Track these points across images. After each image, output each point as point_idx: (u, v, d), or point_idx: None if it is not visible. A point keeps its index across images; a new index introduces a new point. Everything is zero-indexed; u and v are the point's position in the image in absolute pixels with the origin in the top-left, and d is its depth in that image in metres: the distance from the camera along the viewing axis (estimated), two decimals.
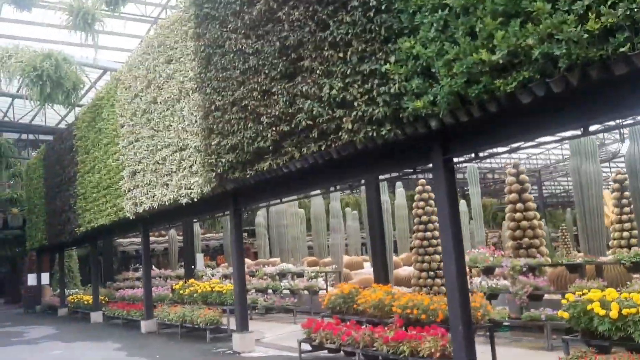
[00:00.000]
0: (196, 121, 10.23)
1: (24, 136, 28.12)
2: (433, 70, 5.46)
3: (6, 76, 14.28)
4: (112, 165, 14.52)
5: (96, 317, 17.46)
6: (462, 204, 22.58)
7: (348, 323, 8.03)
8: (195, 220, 20.71)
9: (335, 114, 6.83)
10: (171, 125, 11.30)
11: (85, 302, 18.99)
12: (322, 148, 7.16)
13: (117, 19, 18.01)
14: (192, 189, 10.48)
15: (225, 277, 17.73)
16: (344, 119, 6.70)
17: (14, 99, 20.97)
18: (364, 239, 26.43)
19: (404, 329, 6.96)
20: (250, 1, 8.44)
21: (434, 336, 6.41)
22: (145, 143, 12.52)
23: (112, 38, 20.26)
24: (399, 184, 21.27)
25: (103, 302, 18.37)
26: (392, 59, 5.86)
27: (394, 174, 10.00)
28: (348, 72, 6.59)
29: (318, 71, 7.04)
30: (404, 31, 5.77)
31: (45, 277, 24.37)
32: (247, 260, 22.41)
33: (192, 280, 14.58)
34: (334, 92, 6.79)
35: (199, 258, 19.87)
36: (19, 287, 34.45)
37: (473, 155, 6.41)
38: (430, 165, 6.37)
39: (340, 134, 6.80)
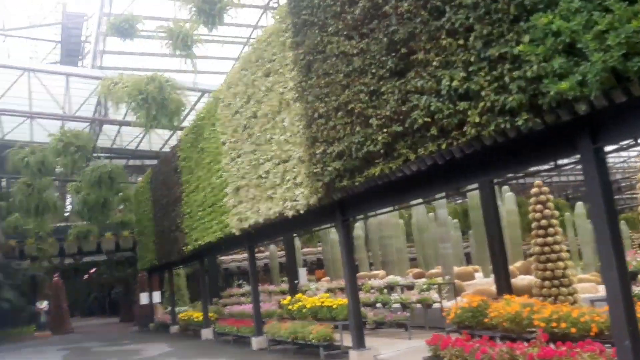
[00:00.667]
0: (298, 131, 9.96)
1: (130, 162, 29.60)
2: (579, 45, 4.73)
3: (114, 103, 14.86)
4: (215, 183, 14.67)
5: (207, 333, 17.69)
6: None
7: (479, 339, 7.29)
8: (294, 234, 20.68)
9: (457, 108, 6.23)
10: (272, 138, 11.14)
11: (196, 319, 19.37)
12: (442, 147, 6.56)
13: (214, 43, 18.44)
14: (298, 201, 10.19)
15: (329, 291, 17.38)
16: (469, 112, 6.08)
17: (121, 127, 22.02)
18: (466, 248, 25.23)
19: (549, 344, 6.14)
20: (351, 1, 8.05)
21: (590, 352, 5.56)
22: (248, 158, 12.47)
23: (209, 62, 20.84)
24: (505, 188, 20.03)
25: (212, 318, 18.61)
26: (526, 38, 5.18)
27: (508, 175, 9.13)
28: (471, 60, 5.98)
29: (435, 63, 6.48)
30: (539, 6, 5.09)
31: (156, 296, 25.28)
32: None
33: (299, 295, 14.33)
34: (455, 83, 6.19)
35: (302, 272, 19.68)
36: (132, 306, 36.27)
37: (631, 142, 5.53)
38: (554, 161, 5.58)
39: (464, 129, 6.18)
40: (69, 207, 36.94)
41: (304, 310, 12.61)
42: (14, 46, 26.43)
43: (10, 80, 17.56)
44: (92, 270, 47.58)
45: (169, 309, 25.42)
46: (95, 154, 20.90)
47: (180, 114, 16.09)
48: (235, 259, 34.26)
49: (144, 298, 25.09)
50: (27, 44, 26.85)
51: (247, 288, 25.44)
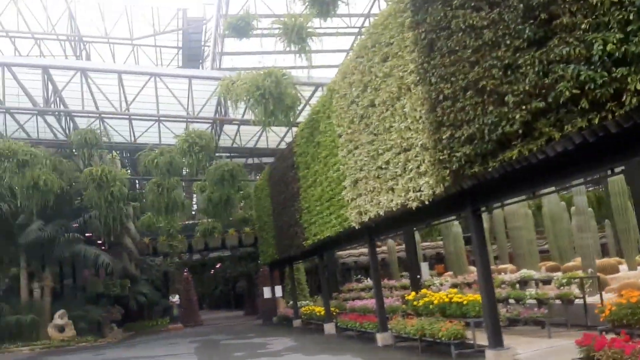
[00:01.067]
0: (420, 117, 9.38)
1: (249, 160, 30.54)
2: None
3: (233, 101, 15.18)
4: (332, 176, 14.47)
5: (329, 328, 17.62)
6: None
7: None
8: (414, 228, 20.03)
9: (613, 75, 5.38)
10: (392, 127, 10.63)
11: (317, 314, 19.40)
12: (594, 122, 5.72)
13: (327, 36, 18.30)
14: (422, 191, 9.62)
15: (455, 286, 16.54)
16: (628, 79, 5.22)
17: (240, 126, 22.66)
18: (601, 239, 23.01)
19: None
20: None
21: None
22: (366, 149, 12.09)
23: (322, 56, 20.79)
24: None
25: (334, 313, 18.53)
26: None
27: None
28: (630, 18, 5.11)
29: (583, 26, 5.65)
30: None
31: (278, 290, 25.81)
32: (471, 267, 21.00)
33: (424, 290, 13.72)
34: (609, 47, 5.34)
35: (424, 267, 19.01)
36: (255, 300, 37.51)
37: None
38: None
39: (622, 99, 5.32)
40: (195, 207, 39.03)
41: (430, 307, 12.01)
42: (141, 54, 28.29)
43: (138, 86, 18.67)
44: (217, 266, 50.05)
45: (291, 303, 25.83)
46: (217, 154, 21.66)
47: (296, 109, 16.10)
48: (352, 253, 34.08)
49: (266, 292, 25.72)
50: (152, 51, 28.63)
51: (366, 283, 25.17)
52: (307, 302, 24.88)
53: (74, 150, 25.88)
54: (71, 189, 23.20)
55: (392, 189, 10.89)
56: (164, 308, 33.24)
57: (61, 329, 21.33)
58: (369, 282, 25.72)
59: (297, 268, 28.29)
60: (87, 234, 24.96)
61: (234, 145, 24.60)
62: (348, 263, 35.86)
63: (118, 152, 26.81)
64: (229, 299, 55.81)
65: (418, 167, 9.70)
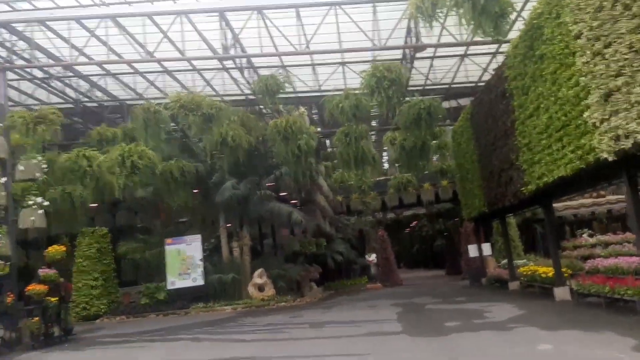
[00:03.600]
0: None
1: (444, 105, 27.31)
2: None
3: (426, 18, 12.24)
4: (567, 95, 10.85)
5: (562, 293, 14.09)
6: None
7: None
8: None
9: None
10: None
11: (542, 275, 15.90)
12: None
13: None
14: None
15: None
16: None
17: (433, 60, 19.57)
18: None
19: None
20: None
21: None
22: (626, 42, 8.37)
23: None
24: None
25: (566, 275, 14.90)
26: None
27: None
28: None
29: None
30: None
31: (486, 248, 22.56)
32: None
33: None
34: None
35: None
36: (456, 259, 34.57)
37: None
38: None
39: None
40: (385, 163, 37.14)
41: None
42: None
43: (316, 23, 16.62)
44: (412, 224, 47.98)
45: (503, 262, 22.44)
46: (408, 94, 18.92)
47: (507, 17, 12.59)
48: (570, 205, 29.16)
49: (472, 250, 22.65)
50: None
51: (599, 238, 20.69)
52: (524, 261, 21.26)
53: (262, 108, 25.41)
54: (260, 146, 22.55)
55: None
56: (362, 267, 32.09)
57: (261, 288, 20.91)
58: (596, 237, 21.29)
59: (507, 223, 24.62)
60: (280, 193, 24.35)
61: (427, 83, 21.60)
62: (565, 216, 30.93)
63: (305, 107, 25.55)
64: (426, 257, 53.68)
65: None
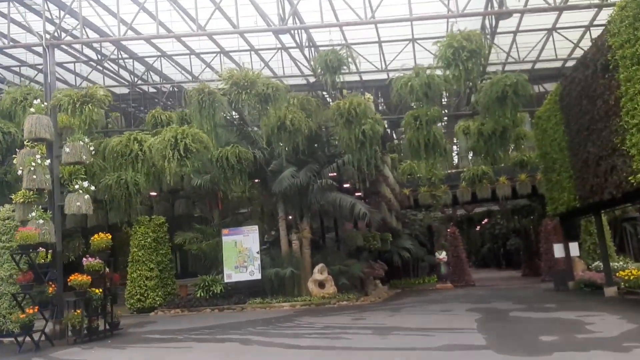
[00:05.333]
0: None
1: None
2: None
3: None
4: None
5: None
6: None
7: None
8: None
9: None
10: None
11: None
12: None
13: None
14: None
15: None
16: None
17: (516, 35, 17.23)
18: None
19: None
20: None
21: None
22: None
23: None
24: None
25: None
26: None
27: None
28: None
29: None
30: None
31: (574, 248, 20.02)
32: None
33: None
34: None
35: None
36: (533, 259, 31.78)
37: None
38: None
39: None
40: (455, 155, 34.81)
41: None
42: None
43: None
44: (484, 221, 45.20)
45: (595, 264, 19.92)
46: (485, 73, 16.75)
47: None
48: None
49: (558, 250, 20.14)
50: None
51: None
52: (620, 263, 18.67)
53: (324, 94, 23.86)
54: (322, 132, 21.03)
55: None
56: (430, 265, 30.00)
57: (321, 284, 19.41)
58: None
59: (592, 220, 21.95)
60: (343, 185, 22.74)
61: (508, 61, 19.28)
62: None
63: (371, 93, 23.79)
64: (498, 257, 50.88)
65: None
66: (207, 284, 19.92)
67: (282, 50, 18.91)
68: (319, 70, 16.51)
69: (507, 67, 20.04)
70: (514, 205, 33.55)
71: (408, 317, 14.19)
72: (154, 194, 24.04)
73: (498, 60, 19.54)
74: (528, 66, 20.79)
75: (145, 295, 19.78)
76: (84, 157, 14.29)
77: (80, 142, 14.20)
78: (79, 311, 12.75)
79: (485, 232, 49.09)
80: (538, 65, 21.45)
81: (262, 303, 18.74)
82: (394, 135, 34.45)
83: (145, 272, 19.96)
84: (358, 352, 9.23)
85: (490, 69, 17.88)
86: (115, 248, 26.33)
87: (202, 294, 19.78)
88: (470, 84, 16.41)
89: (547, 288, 20.76)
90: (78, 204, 13.93)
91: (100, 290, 13.27)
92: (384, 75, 21.47)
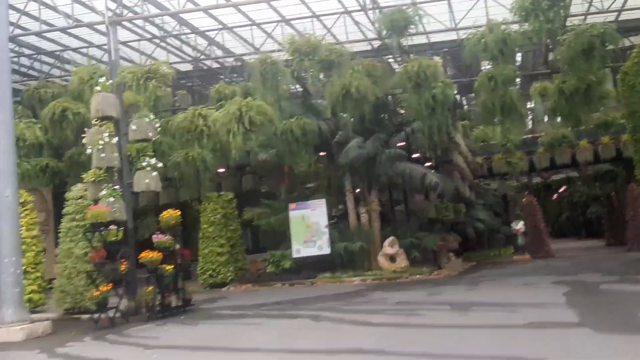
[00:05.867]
0: None
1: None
2: None
3: None
4: None
5: None
6: None
7: None
8: None
9: None
10: None
11: None
12: None
13: None
14: None
15: None
16: None
17: None
18: None
19: None
20: None
21: None
22: None
23: None
24: None
25: None
26: None
27: None
28: None
29: None
30: None
31: None
32: None
33: None
34: None
35: None
36: (619, 228, 29.66)
37: None
38: None
39: None
40: (529, 118, 32.86)
41: None
42: None
43: None
44: (562, 189, 42.88)
45: None
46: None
47: None
48: None
49: None
50: None
51: None
52: None
53: (390, 60, 22.90)
54: (389, 100, 20.17)
55: None
56: (506, 236, 28.68)
57: (392, 258, 18.80)
58: None
59: None
60: (412, 155, 21.86)
61: (590, 11, 17.59)
62: None
63: (440, 57, 22.58)
64: (577, 226, 48.36)
65: None
66: (276, 259, 19.79)
67: (345, 15, 18.08)
68: (384, 33, 15.65)
69: (589, 19, 18.30)
70: (595, 171, 31.46)
71: (487, 291, 13.37)
72: (221, 170, 24.13)
73: (579, 11, 17.86)
74: (612, 17, 18.94)
75: (217, 271, 19.88)
76: (150, 134, 14.26)
77: (146, 119, 14.14)
78: (151, 288, 12.81)
79: (563, 201, 46.72)
80: (623, 17, 19.52)
81: (332, 278, 18.39)
82: (464, 102, 33.00)
83: (216, 248, 20.03)
84: (435, 330, 8.61)
85: (569, 22, 16.38)
86: (188, 225, 26.86)
87: (272, 269, 19.69)
88: (549, 40, 15.02)
89: (638, 258, 19.20)
90: (147, 181, 13.94)
91: (172, 266, 13.27)
92: (453, 36, 20.25)
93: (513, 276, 16.53)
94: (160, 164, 14.31)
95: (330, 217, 20.69)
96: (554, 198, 46.11)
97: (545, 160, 27.04)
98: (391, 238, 19.02)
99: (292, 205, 20.05)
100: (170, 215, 13.66)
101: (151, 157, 14.24)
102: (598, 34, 13.33)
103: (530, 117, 32.27)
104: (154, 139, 14.50)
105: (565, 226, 50.59)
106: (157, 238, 13.21)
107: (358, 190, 20.64)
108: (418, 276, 17.99)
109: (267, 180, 23.70)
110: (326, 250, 19.31)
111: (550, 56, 20.27)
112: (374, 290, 15.05)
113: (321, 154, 21.00)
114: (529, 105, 28.62)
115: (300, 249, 19.67)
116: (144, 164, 14.02)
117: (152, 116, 14.31)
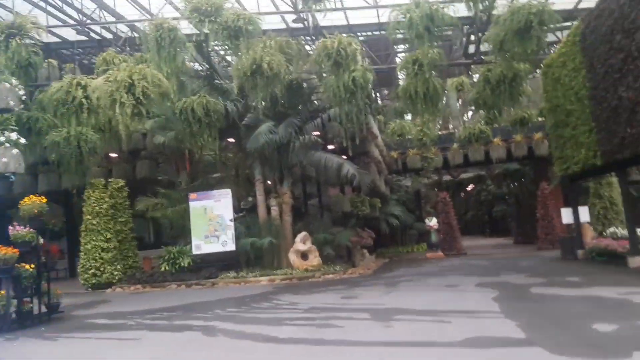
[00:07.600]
0: None
1: None
2: None
3: None
4: None
5: None
6: None
7: None
8: None
9: None
10: None
11: None
12: None
13: None
14: None
15: None
16: None
17: None
18: None
19: None
20: None
21: None
22: None
23: None
24: None
25: None
26: None
27: None
28: None
29: None
30: None
31: (584, 213, 17.94)
32: None
33: None
34: None
35: None
36: (526, 226, 29.85)
37: None
38: None
39: None
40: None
41: None
42: None
43: None
44: (469, 187, 43.37)
45: (610, 230, 17.95)
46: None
47: None
48: None
49: (566, 215, 18.05)
50: None
51: None
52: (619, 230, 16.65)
53: (306, 42, 21.15)
54: (303, 84, 18.40)
55: None
56: (419, 233, 27.95)
57: (304, 255, 17.13)
58: None
59: (608, 182, 19.95)
60: (328, 147, 20.27)
61: None
62: None
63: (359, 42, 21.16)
64: (483, 224, 49.40)
65: None
66: (172, 256, 17.50)
67: None
68: (300, 5, 13.84)
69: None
70: (505, 170, 31.64)
71: (409, 294, 11.94)
72: (114, 155, 21.35)
73: None
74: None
75: (102, 269, 17.25)
76: (12, 102, 11.58)
77: (7, 83, 11.42)
78: (2, 292, 10.21)
79: (470, 199, 47.41)
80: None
81: (236, 278, 16.41)
82: (378, 97, 32.11)
83: (101, 243, 17.38)
84: (355, 349, 6.91)
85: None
86: (75, 217, 23.60)
87: (167, 268, 17.36)
88: (482, 15, 13.84)
89: (552, 257, 18.78)
90: (4, 159, 11.25)
91: (33, 265, 10.72)
92: (374, 19, 18.84)
93: (432, 276, 15.33)
94: (22, 140, 11.65)
95: (237, 210, 18.67)
96: (461, 196, 46.61)
97: (459, 157, 26.47)
98: (303, 233, 17.33)
99: (192, 195, 17.81)
100: (34, 202, 11.07)
101: (11, 131, 11.55)
102: (536, 12, 12.25)
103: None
104: (16, 109, 11.77)
105: (471, 224, 51.55)
106: (14, 231, 10.62)
107: (269, 181, 18.77)
108: (331, 275, 16.44)
109: (165, 167, 21.17)
110: (231, 246, 17.29)
111: (471, 49, 19.33)
112: (282, 293, 13.24)
113: (229, 140, 18.89)
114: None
115: (201, 245, 17.52)
116: (2, 139, 11.32)
117: (14, 81, 11.59)
